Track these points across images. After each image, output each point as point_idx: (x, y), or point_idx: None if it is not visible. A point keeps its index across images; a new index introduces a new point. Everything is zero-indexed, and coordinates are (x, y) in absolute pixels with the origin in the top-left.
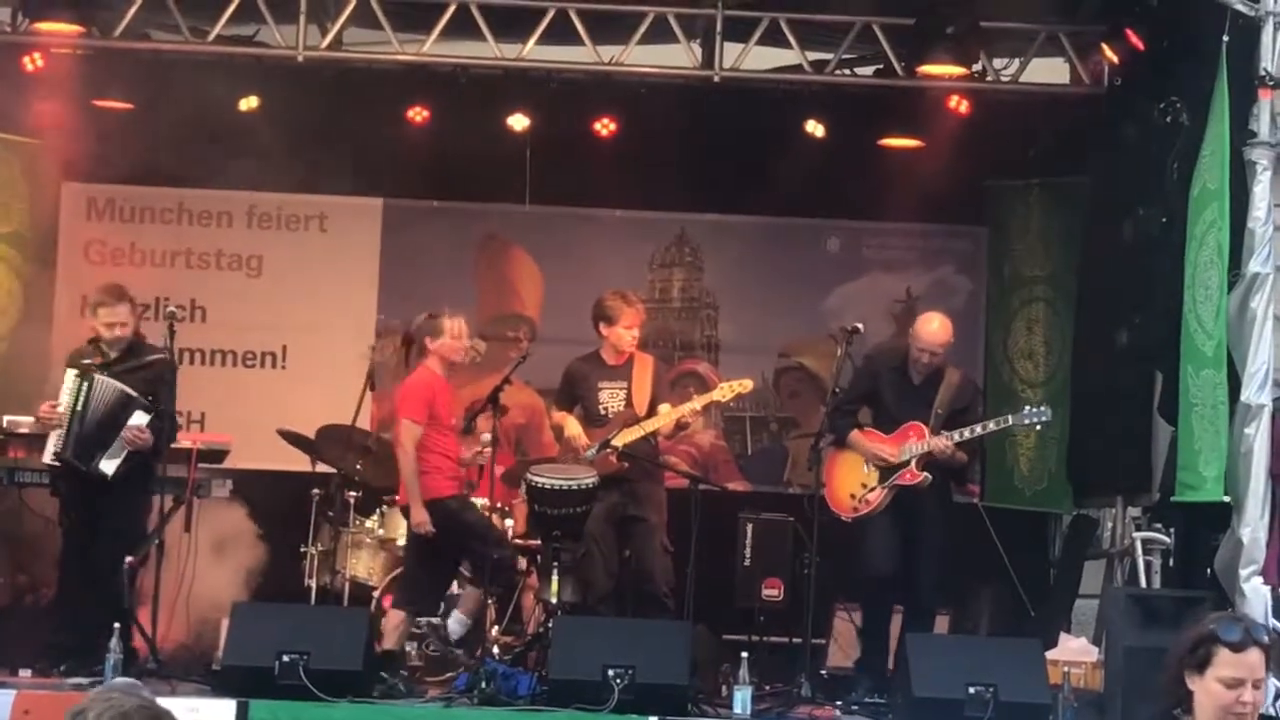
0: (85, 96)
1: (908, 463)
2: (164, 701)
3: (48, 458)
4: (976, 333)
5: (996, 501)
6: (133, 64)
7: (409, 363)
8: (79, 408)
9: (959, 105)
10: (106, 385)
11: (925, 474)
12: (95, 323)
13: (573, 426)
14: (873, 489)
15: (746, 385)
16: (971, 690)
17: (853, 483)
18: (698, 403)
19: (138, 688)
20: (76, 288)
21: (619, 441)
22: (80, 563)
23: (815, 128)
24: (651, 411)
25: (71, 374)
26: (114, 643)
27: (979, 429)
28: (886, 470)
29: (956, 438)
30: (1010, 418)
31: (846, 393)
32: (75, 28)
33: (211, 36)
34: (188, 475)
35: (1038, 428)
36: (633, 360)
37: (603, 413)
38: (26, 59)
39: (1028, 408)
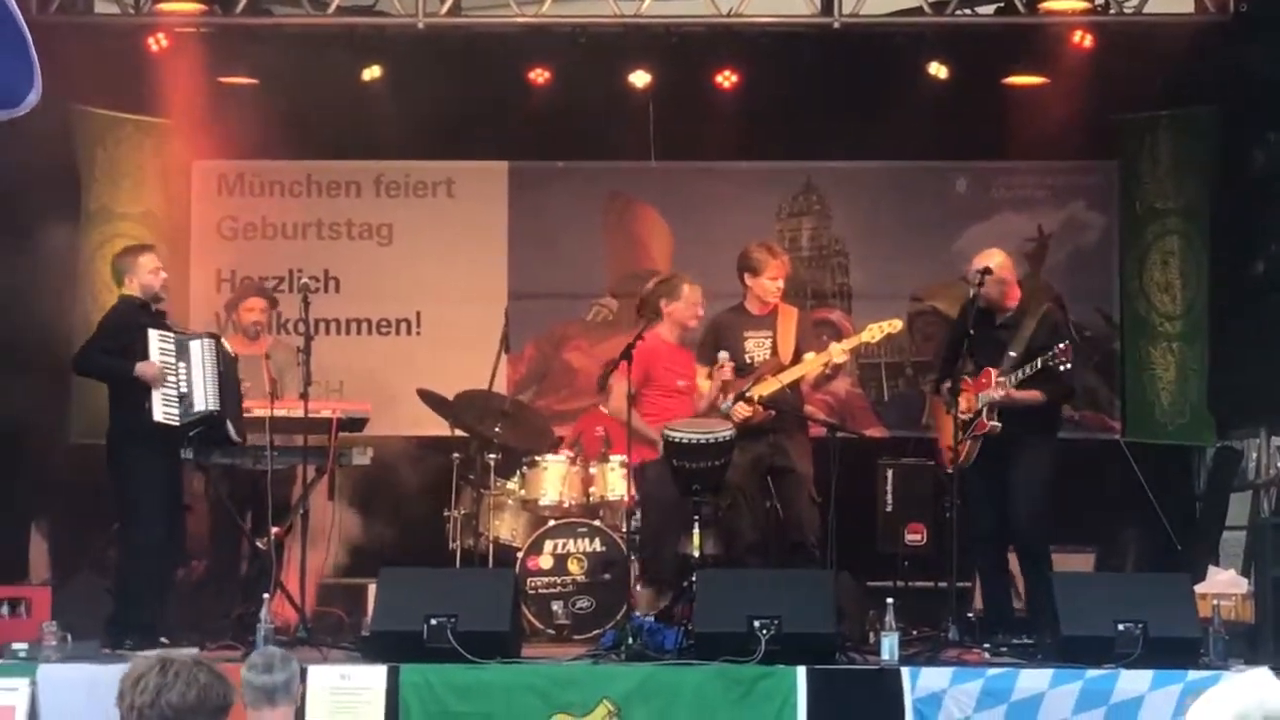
0: (211, 74)
1: (981, 411)
2: (314, 669)
3: (172, 417)
4: (1111, 268)
5: (1138, 437)
6: (256, 39)
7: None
8: (220, 368)
9: (1082, 40)
10: (227, 350)
11: (994, 423)
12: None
13: (703, 383)
14: (961, 440)
15: (896, 325)
16: (1121, 627)
17: (949, 436)
18: (846, 345)
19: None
20: (210, 264)
21: (755, 393)
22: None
23: (938, 69)
24: (797, 361)
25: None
26: (264, 613)
27: (1020, 374)
28: (966, 422)
29: (1009, 382)
30: (1040, 360)
31: (946, 342)
32: (198, 6)
33: (332, 8)
34: (329, 444)
35: (1065, 367)
36: (777, 311)
37: (749, 362)
38: (151, 40)
39: (1057, 346)
